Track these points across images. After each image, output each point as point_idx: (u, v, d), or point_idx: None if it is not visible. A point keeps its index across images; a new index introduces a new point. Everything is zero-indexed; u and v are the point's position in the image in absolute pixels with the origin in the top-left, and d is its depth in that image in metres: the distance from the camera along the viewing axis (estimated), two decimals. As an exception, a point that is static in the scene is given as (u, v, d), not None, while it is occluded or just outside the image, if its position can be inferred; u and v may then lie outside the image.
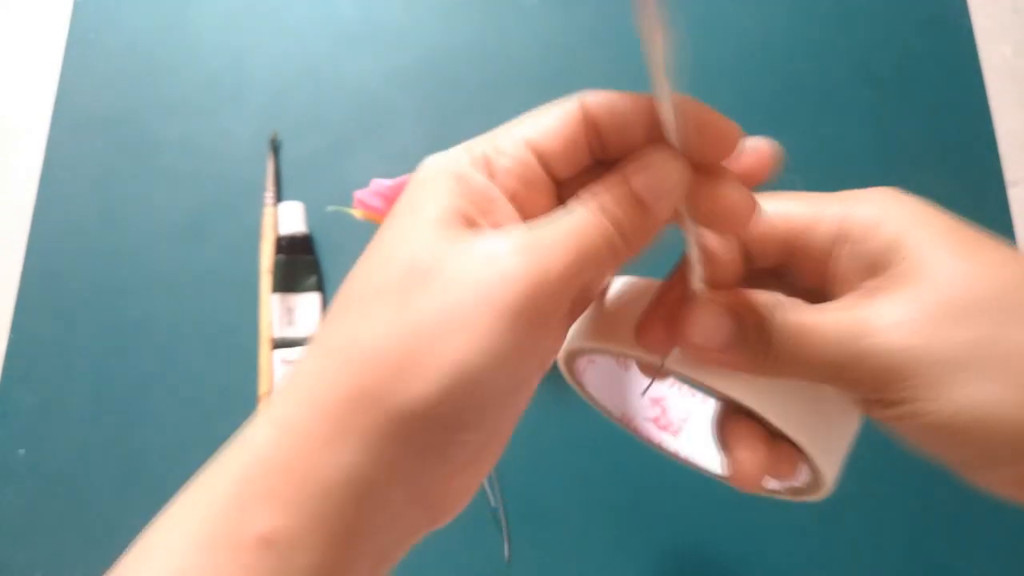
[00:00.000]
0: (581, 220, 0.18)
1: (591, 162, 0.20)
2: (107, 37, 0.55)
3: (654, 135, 0.19)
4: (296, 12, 0.56)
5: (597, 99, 0.20)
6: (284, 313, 0.48)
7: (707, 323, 0.20)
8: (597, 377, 0.30)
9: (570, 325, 0.23)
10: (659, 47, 0.19)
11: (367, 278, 0.19)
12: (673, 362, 0.22)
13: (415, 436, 0.17)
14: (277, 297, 0.48)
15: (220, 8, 0.56)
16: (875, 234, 0.21)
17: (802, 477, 0.26)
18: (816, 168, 0.52)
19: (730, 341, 0.20)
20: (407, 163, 0.52)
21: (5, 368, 0.48)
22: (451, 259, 0.18)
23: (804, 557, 0.44)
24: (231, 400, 0.47)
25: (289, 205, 0.50)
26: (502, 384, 0.18)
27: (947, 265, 0.19)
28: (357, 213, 0.47)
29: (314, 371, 0.18)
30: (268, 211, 0.50)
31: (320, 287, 0.49)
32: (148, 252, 0.50)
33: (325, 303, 0.49)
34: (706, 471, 0.29)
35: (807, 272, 0.22)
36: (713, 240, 0.22)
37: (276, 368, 0.47)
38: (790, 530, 0.45)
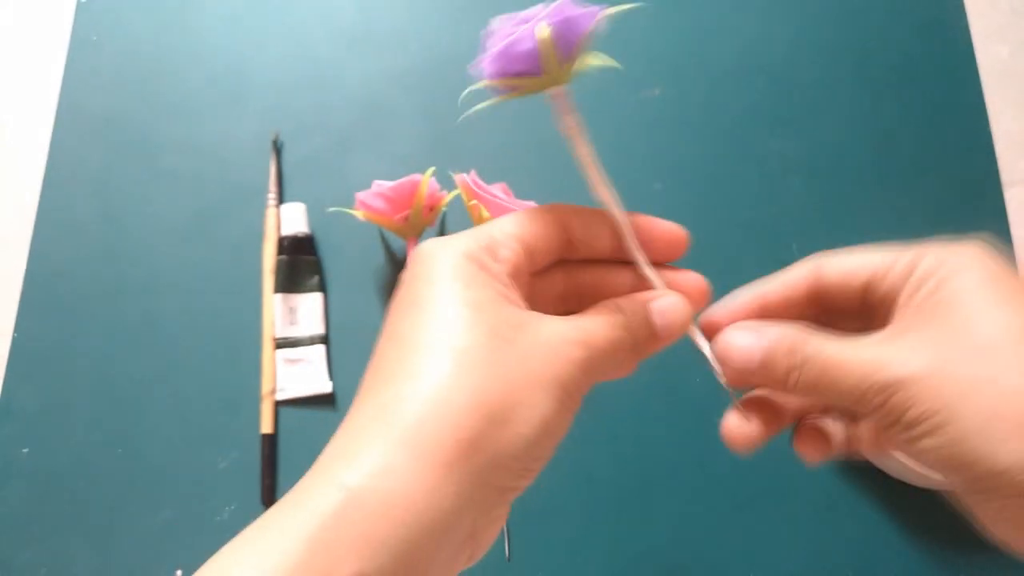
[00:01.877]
0: (615, 330, 0.22)
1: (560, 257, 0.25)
2: (109, 39, 0.55)
3: (616, 244, 0.24)
4: (298, 14, 0.56)
5: (565, 210, 0.24)
6: (286, 313, 0.48)
7: (737, 339, 0.24)
8: None
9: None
10: (591, 165, 0.23)
11: (447, 335, 0.20)
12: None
13: (499, 478, 0.20)
14: (279, 297, 0.48)
15: (222, 10, 0.56)
16: (930, 279, 0.22)
17: None
18: (814, 169, 0.53)
19: (759, 362, 0.23)
20: (408, 165, 0.53)
21: (8, 368, 0.48)
22: (527, 335, 0.21)
23: (804, 555, 0.45)
24: (233, 399, 0.47)
25: (291, 206, 0.50)
26: (558, 433, 0.21)
27: (976, 309, 0.21)
28: (359, 214, 0.47)
29: (412, 420, 0.19)
30: (270, 212, 0.50)
31: (322, 287, 0.49)
32: (151, 252, 0.50)
33: (327, 303, 0.49)
34: None
35: (881, 314, 0.24)
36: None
37: (279, 367, 0.47)
38: (790, 530, 0.45)
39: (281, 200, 0.51)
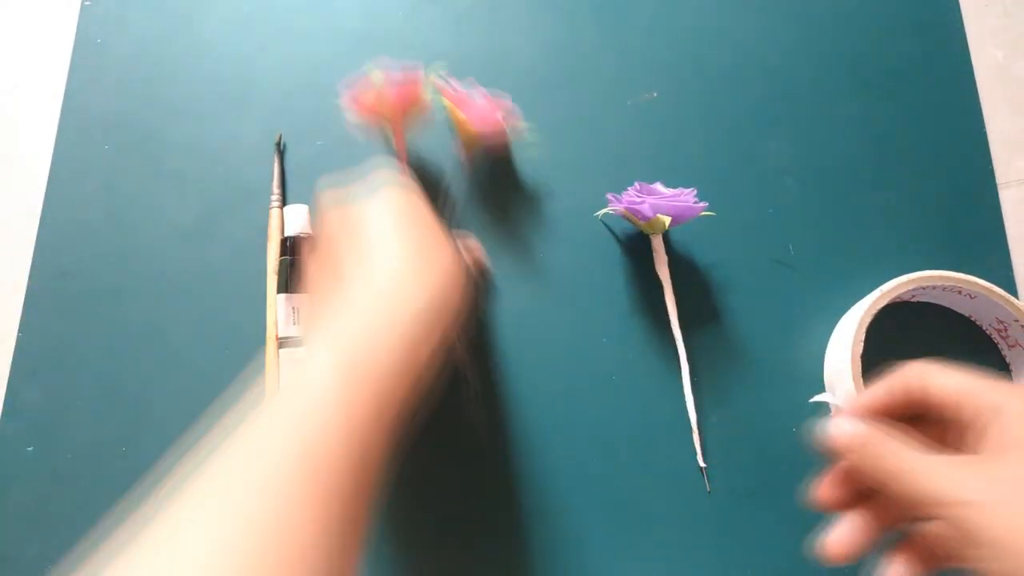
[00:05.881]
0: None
1: None
2: (114, 41, 0.56)
3: None
4: (301, 17, 0.57)
5: None
6: (290, 313, 0.49)
7: (840, 426, 0.30)
8: None
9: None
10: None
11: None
12: None
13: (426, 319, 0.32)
14: (283, 297, 0.49)
15: (226, 13, 0.57)
16: (999, 420, 0.28)
17: None
18: (810, 170, 0.53)
19: (850, 443, 0.30)
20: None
21: (14, 366, 0.48)
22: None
23: (802, 555, 0.45)
24: (236, 399, 0.47)
25: (294, 207, 0.50)
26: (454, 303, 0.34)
27: None
28: (350, 116, 0.49)
29: (354, 298, 0.33)
30: (274, 213, 0.50)
31: (325, 287, 0.50)
32: (155, 253, 0.51)
33: (329, 303, 0.50)
34: None
35: (967, 429, 0.30)
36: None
37: (282, 366, 0.48)
38: (788, 529, 0.46)
39: (284, 201, 0.51)
